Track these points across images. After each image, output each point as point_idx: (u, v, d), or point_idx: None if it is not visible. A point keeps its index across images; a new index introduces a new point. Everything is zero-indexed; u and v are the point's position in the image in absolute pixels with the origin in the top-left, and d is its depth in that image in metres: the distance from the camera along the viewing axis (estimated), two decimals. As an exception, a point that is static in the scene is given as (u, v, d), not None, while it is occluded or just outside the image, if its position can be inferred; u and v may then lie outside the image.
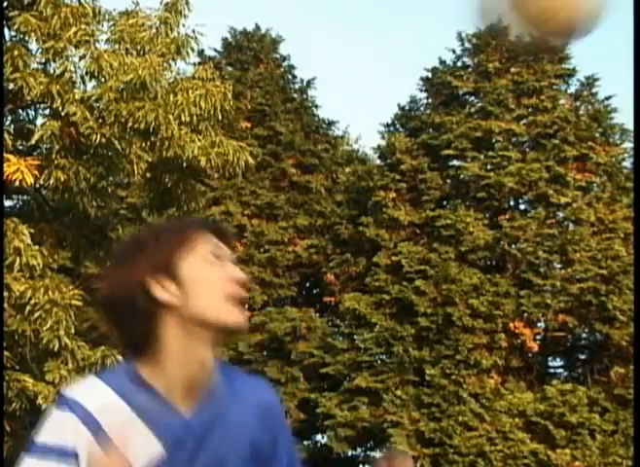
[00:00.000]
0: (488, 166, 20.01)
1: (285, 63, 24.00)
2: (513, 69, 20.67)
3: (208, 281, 1.68)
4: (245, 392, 1.79)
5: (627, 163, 20.31)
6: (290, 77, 23.92)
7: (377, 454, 20.53)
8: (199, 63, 14.09)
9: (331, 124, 23.92)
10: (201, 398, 1.70)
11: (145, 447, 1.64)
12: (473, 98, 21.34)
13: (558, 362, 20.76)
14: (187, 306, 1.66)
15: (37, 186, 10.70)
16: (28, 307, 9.25)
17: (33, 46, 10.42)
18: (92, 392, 1.68)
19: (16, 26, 9.98)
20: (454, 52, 21.46)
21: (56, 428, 1.65)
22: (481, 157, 20.14)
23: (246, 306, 1.72)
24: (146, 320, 1.67)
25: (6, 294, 9.24)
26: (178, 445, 1.67)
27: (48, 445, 1.64)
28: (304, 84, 23.77)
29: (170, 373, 1.68)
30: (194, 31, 10.79)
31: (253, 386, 1.82)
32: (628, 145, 20.52)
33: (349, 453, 20.45)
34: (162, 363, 1.68)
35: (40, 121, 10.87)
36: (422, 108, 21.83)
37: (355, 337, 19.72)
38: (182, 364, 1.67)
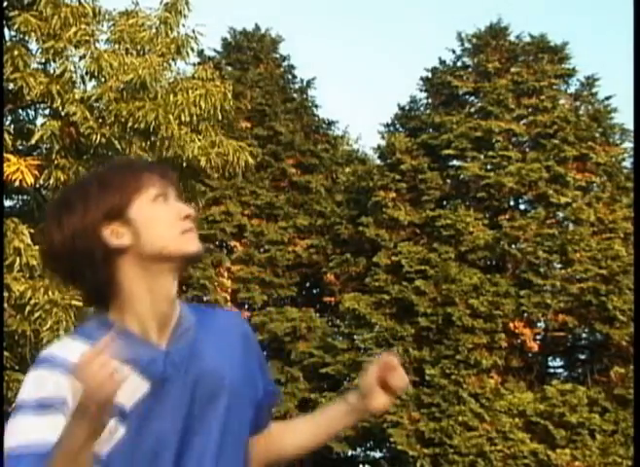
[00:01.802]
0: (488, 166, 20.01)
1: (285, 63, 23.99)
2: (513, 69, 20.67)
3: (160, 219, 1.72)
4: (221, 321, 1.85)
5: (627, 163, 20.32)
6: (290, 77, 23.92)
7: (377, 454, 20.54)
8: (199, 63, 14.08)
9: (331, 124, 23.92)
10: (174, 331, 1.74)
11: (131, 387, 1.66)
12: (473, 98, 21.34)
13: (558, 362, 20.78)
14: (142, 246, 1.70)
15: (37, 186, 10.69)
16: (28, 307, 9.23)
17: (33, 46, 10.42)
18: (69, 346, 1.69)
19: (16, 26, 9.97)
20: (454, 52, 21.48)
21: (41, 384, 1.64)
22: (481, 157, 20.14)
23: (196, 238, 1.75)
24: (104, 268, 1.69)
25: (6, 294, 9.22)
26: (163, 375, 1.70)
27: (34, 400, 1.63)
28: (304, 84, 23.77)
29: (139, 312, 1.70)
30: (193, 31, 10.79)
31: (228, 316, 1.89)
32: (628, 145, 20.54)
33: (349, 453, 20.45)
34: (130, 305, 1.70)
35: (40, 121, 10.87)
36: (422, 108, 21.83)
37: (355, 337, 19.72)
38: (148, 301, 1.70)
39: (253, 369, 1.85)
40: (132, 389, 1.67)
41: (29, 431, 1.61)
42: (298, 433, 1.96)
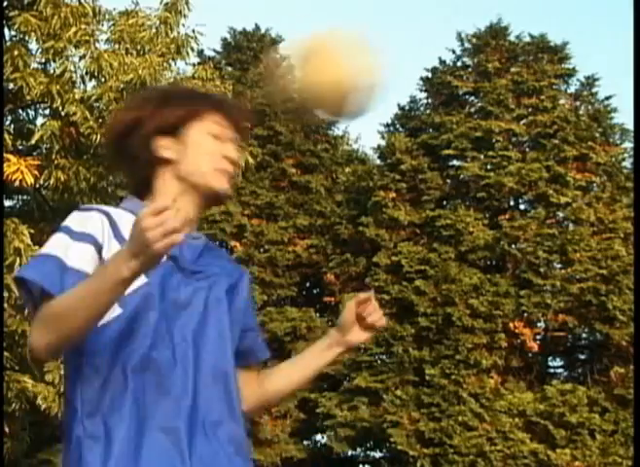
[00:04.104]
0: (488, 166, 20.01)
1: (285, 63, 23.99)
2: (513, 69, 20.68)
3: (205, 151, 1.91)
4: (228, 260, 2.03)
5: (627, 163, 20.33)
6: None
7: (377, 454, 20.55)
8: (199, 63, 14.07)
9: (331, 123, 23.91)
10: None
11: None
12: (473, 98, 21.35)
13: (558, 362, 20.78)
14: (181, 166, 1.89)
15: (37, 186, 10.68)
16: (28, 308, 9.22)
17: (33, 46, 10.41)
18: (113, 210, 1.90)
19: (16, 26, 9.96)
20: (454, 52, 21.48)
21: (83, 220, 1.83)
22: (481, 157, 20.14)
23: (232, 181, 1.94)
24: (145, 170, 1.91)
25: (6, 294, 9.22)
26: (171, 269, 1.85)
27: (76, 230, 1.82)
28: (304, 84, 23.76)
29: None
30: (193, 31, 10.78)
31: (234, 262, 2.06)
32: (628, 145, 20.55)
33: (349, 453, 20.44)
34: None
35: (40, 121, 10.86)
36: (422, 108, 21.84)
37: (355, 337, 19.70)
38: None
39: (242, 308, 1.97)
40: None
41: (59, 246, 1.79)
42: (275, 377, 2.04)
